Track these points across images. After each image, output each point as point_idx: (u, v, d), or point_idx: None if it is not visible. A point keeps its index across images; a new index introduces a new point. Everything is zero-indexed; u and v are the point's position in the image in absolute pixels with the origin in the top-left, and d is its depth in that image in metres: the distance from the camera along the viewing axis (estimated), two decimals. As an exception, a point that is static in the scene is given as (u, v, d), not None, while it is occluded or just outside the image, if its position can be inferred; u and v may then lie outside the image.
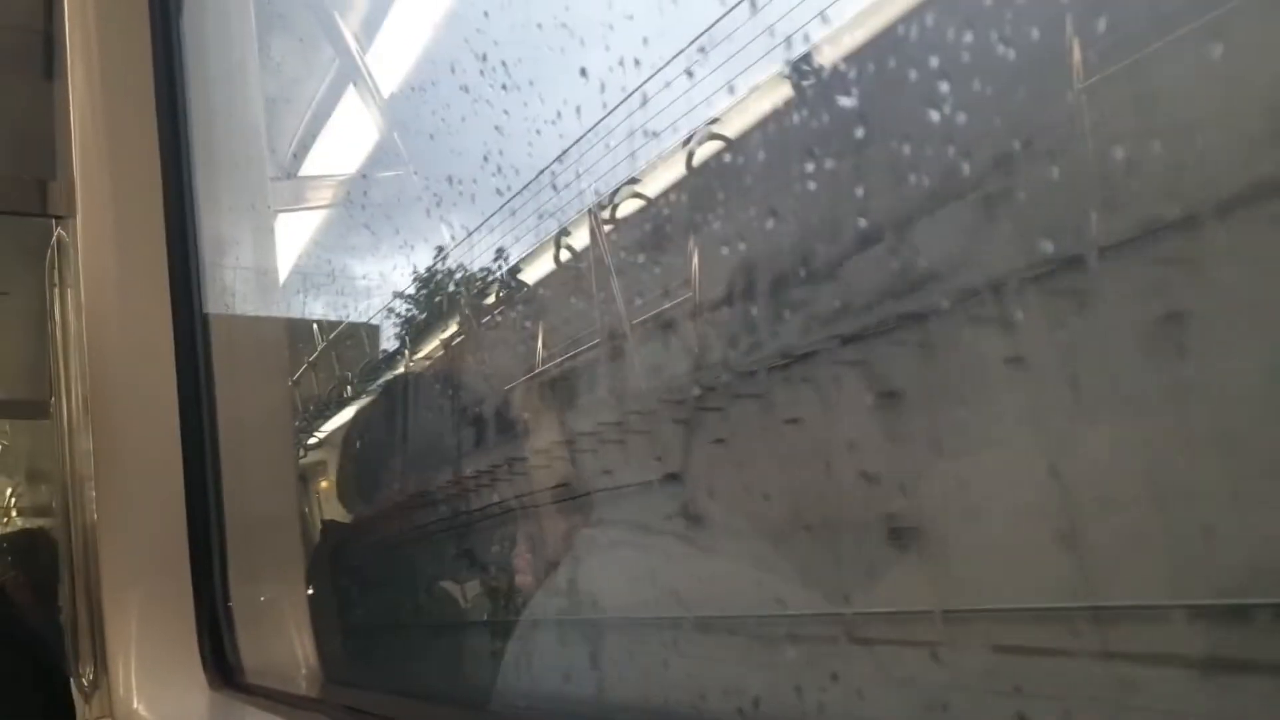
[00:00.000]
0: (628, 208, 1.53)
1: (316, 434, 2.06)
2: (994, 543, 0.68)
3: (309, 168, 3.11)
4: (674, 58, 0.96)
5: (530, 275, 1.88)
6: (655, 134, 1.09)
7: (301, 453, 2.18)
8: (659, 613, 0.91)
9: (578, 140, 1.27)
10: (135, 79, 1.81)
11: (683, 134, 1.04)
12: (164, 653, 1.56)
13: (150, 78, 1.82)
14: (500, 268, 1.97)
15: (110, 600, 1.63)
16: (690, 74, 0.95)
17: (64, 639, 2.03)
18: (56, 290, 2.23)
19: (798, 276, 0.83)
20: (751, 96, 0.88)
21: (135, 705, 1.55)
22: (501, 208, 1.60)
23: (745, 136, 0.91)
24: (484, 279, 2.79)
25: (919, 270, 0.71)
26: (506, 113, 1.31)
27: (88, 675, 1.75)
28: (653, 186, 1.28)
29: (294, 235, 3.49)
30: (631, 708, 0.87)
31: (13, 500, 5.31)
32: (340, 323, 3.69)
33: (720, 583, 0.88)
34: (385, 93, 2.70)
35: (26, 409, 3.72)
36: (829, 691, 0.72)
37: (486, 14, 1.34)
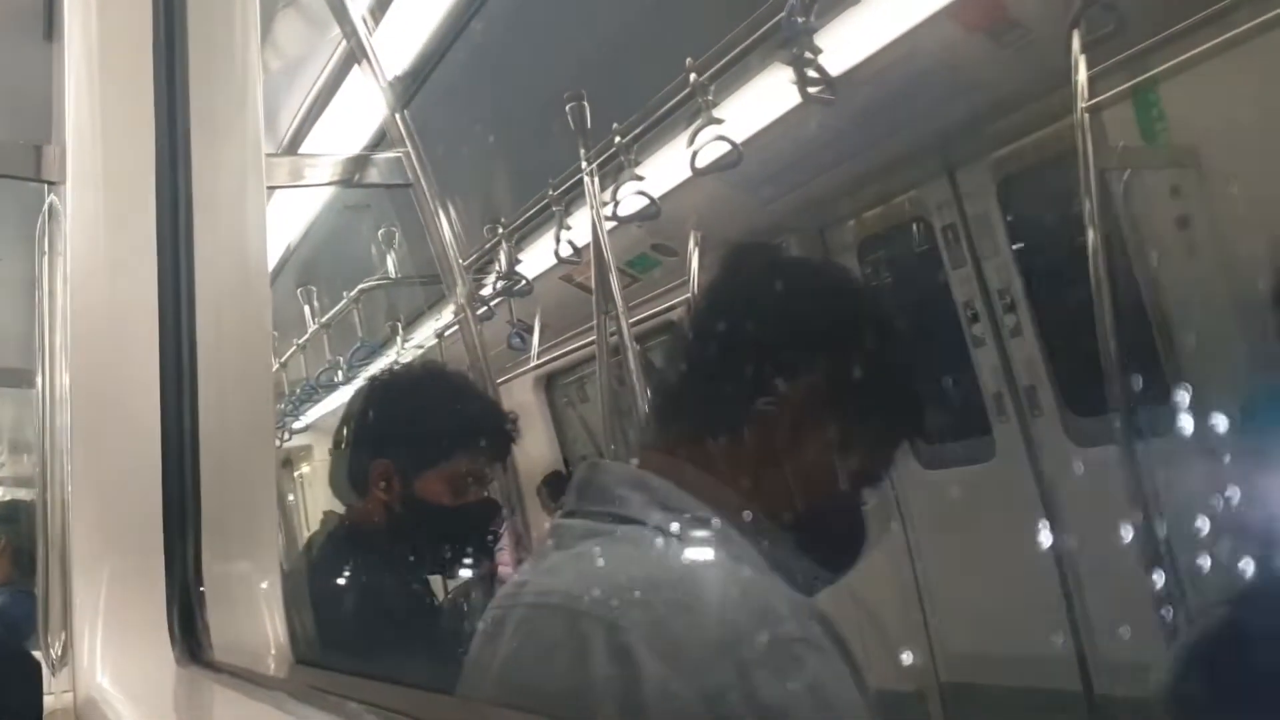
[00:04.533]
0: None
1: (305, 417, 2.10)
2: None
3: (308, 146, 3.16)
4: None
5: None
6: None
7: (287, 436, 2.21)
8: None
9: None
10: (134, 45, 1.85)
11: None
12: (132, 627, 1.60)
13: (149, 45, 1.86)
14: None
15: (80, 573, 1.66)
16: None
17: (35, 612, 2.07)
18: (46, 258, 2.28)
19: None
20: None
21: (100, 679, 1.59)
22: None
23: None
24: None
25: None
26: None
27: (56, 648, 1.79)
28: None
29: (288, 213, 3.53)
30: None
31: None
32: (334, 306, 3.73)
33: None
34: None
35: (14, 377, 3.78)
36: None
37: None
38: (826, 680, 0.86)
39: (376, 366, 3.58)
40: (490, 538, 1.71)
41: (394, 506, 1.65)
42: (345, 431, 1.81)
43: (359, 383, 1.96)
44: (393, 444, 1.68)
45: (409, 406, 1.78)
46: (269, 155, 2.55)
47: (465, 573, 1.74)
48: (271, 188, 2.61)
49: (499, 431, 1.74)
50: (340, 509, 1.77)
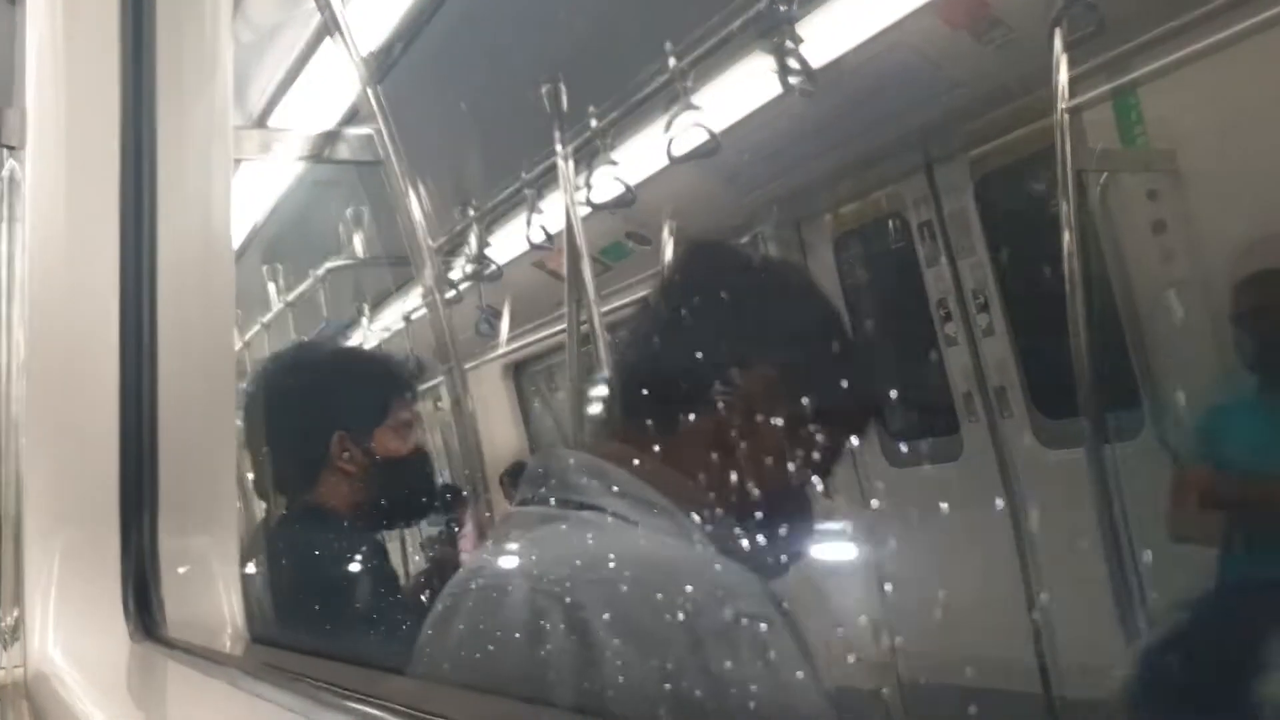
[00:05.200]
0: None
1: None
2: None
3: (277, 119, 3.14)
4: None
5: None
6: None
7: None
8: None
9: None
10: (100, 8, 1.83)
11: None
12: (86, 602, 1.58)
13: (116, 8, 1.84)
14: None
15: (33, 546, 1.65)
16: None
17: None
18: (4, 225, 2.25)
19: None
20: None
21: (52, 654, 1.58)
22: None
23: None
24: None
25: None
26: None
27: (8, 622, 1.78)
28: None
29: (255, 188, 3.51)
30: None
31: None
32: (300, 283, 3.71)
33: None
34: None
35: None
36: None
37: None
38: (779, 660, 0.88)
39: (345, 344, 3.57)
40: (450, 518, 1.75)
41: (361, 472, 1.69)
42: (273, 427, 1.84)
43: (260, 385, 1.98)
44: (338, 416, 1.72)
45: (336, 379, 1.85)
46: (237, 127, 2.53)
47: (437, 520, 1.81)
48: (239, 160, 2.59)
49: (412, 374, 1.88)
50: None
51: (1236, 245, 0.99)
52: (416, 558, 1.79)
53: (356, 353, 1.99)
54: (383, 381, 1.83)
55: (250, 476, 1.89)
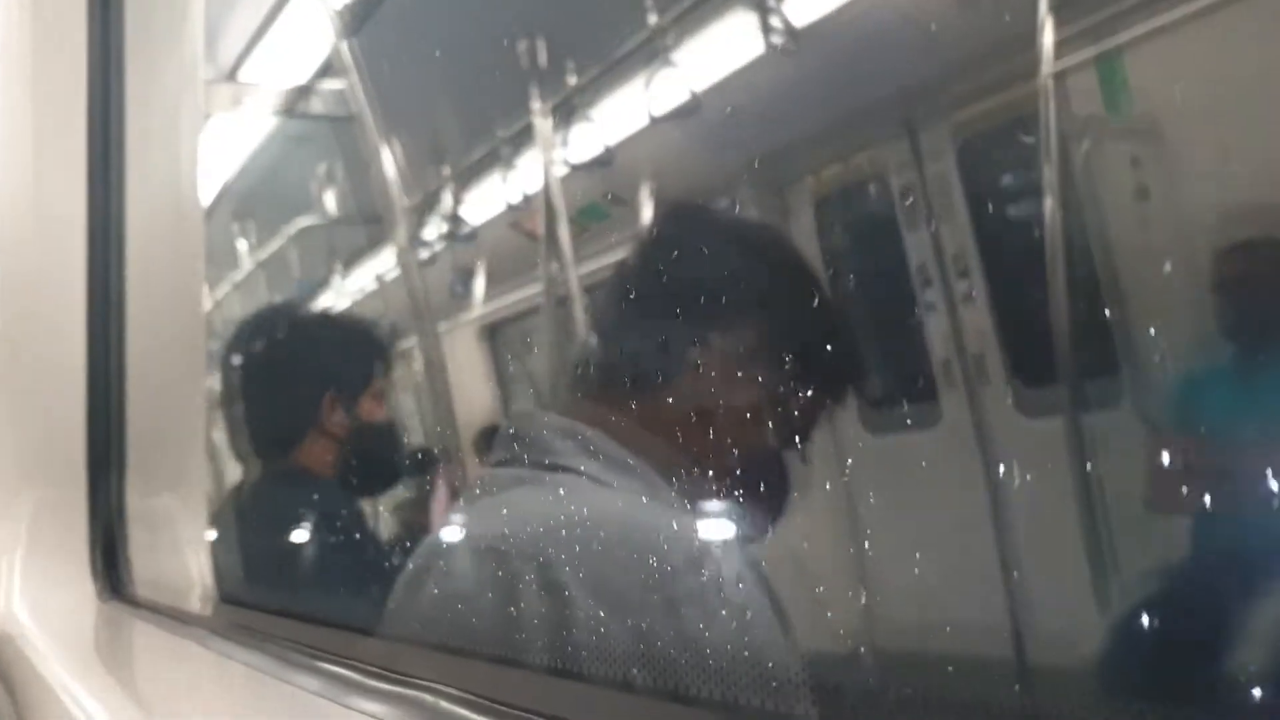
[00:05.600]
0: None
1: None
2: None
3: (249, 73, 3.10)
4: None
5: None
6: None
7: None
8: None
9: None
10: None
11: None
12: (53, 561, 1.58)
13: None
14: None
15: (-2, 505, 1.64)
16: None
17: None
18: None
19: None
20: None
21: (19, 613, 1.57)
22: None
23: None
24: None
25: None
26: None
27: (-27, 580, 1.77)
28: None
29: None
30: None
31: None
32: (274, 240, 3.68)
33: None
34: None
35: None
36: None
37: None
38: (753, 621, 0.88)
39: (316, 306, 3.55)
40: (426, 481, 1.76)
41: (345, 435, 1.70)
42: (262, 385, 1.84)
43: (250, 343, 1.97)
44: (330, 378, 1.73)
45: (329, 341, 1.86)
46: (208, 81, 2.50)
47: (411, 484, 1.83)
48: (209, 115, 2.55)
49: (391, 341, 1.93)
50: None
51: (1219, 214, 0.99)
52: (389, 519, 1.79)
53: (346, 316, 2.02)
54: (370, 346, 1.88)
55: (226, 436, 1.88)
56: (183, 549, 1.53)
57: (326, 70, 2.78)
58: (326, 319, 2.05)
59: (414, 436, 1.93)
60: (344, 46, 2.59)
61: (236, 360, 1.93)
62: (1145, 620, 0.67)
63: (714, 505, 0.95)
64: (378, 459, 1.75)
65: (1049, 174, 1.04)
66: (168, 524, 1.57)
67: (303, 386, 1.74)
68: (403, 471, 1.82)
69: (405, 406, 2.28)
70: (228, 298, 3.86)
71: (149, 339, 1.70)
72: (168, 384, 1.68)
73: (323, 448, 1.69)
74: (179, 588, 1.50)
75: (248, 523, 1.74)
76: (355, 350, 1.84)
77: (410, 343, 2.59)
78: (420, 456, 1.95)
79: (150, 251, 1.74)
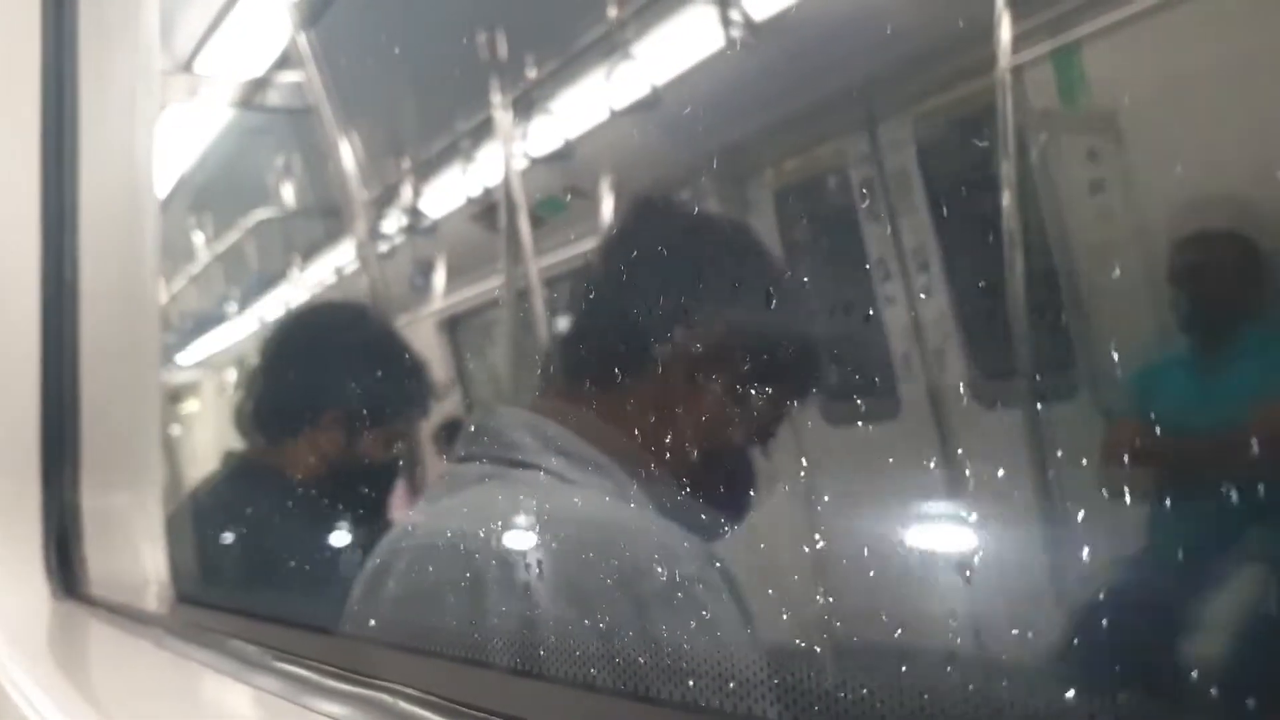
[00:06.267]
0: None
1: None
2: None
3: (205, 64, 3.07)
4: None
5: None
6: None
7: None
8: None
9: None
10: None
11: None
12: (5, 559, 1.56)
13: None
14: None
15: (-51, 502, 1.62)
16: None
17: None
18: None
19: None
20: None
21: (-32, 610, 1.56)
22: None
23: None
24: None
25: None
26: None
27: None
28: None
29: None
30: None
31: None
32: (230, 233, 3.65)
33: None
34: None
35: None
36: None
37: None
38: (720, 620, 0.89)
39: (273, 302, 3.52)
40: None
41: (336, 456, 1.66)
42: (276, 370, 1.80)
43: (291, 319, 1.92)
44: (356, 394, 1.69)
45: (368, 361, 1.79)
46: (164, 71, 2.48)
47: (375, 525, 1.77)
48: (165, 106, 2.53)
49: (429, 398, 1.80)
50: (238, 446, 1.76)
51: (1173, 206, 1.01)
52: (352, 517, 1.78)
53: (406, 352, 1.89)
54: (411, 384, 1.78)
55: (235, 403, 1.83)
56: (139, 547, 1.51)
57: (284, 62, 2.76)
58: (387, 340, 1.94)
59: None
60: (301, 38, 2.57)
61: (289, 334, 1.88)
62: (1101, 611, 0.68)
63: (679, 502, 0.95)
64: (352, 493, 1.69)
65: (1007, 167, 1.06)
66: (123, 521, 1.56)
67: (325, 386, 1.71)
68: (375, 504, 1.76)
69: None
70: (184, 291, 3.82)
71: (103, 333, 1.68)
72: (123, 379, 1.66)
73: (304, 453, 1.66)
74: (135, 586, 1.49)
75: (208, 521, 1.72)
76: (395, 384, 1.76)
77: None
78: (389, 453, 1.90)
79: (105, 244, 1.73)
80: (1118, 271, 0.88)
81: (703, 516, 0.97)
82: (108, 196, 1.79)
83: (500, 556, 0.94)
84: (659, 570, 0.90)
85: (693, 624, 0.88)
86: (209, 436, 2.15)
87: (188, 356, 3.24)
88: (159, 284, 1.96)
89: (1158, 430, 0.73)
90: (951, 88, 1.08)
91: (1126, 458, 0.76)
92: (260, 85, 2.71)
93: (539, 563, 0.92)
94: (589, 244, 1.11)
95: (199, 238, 3.70)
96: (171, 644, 1.17)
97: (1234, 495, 0.60)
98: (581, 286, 1.13)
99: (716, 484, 0.99)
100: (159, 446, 1.65)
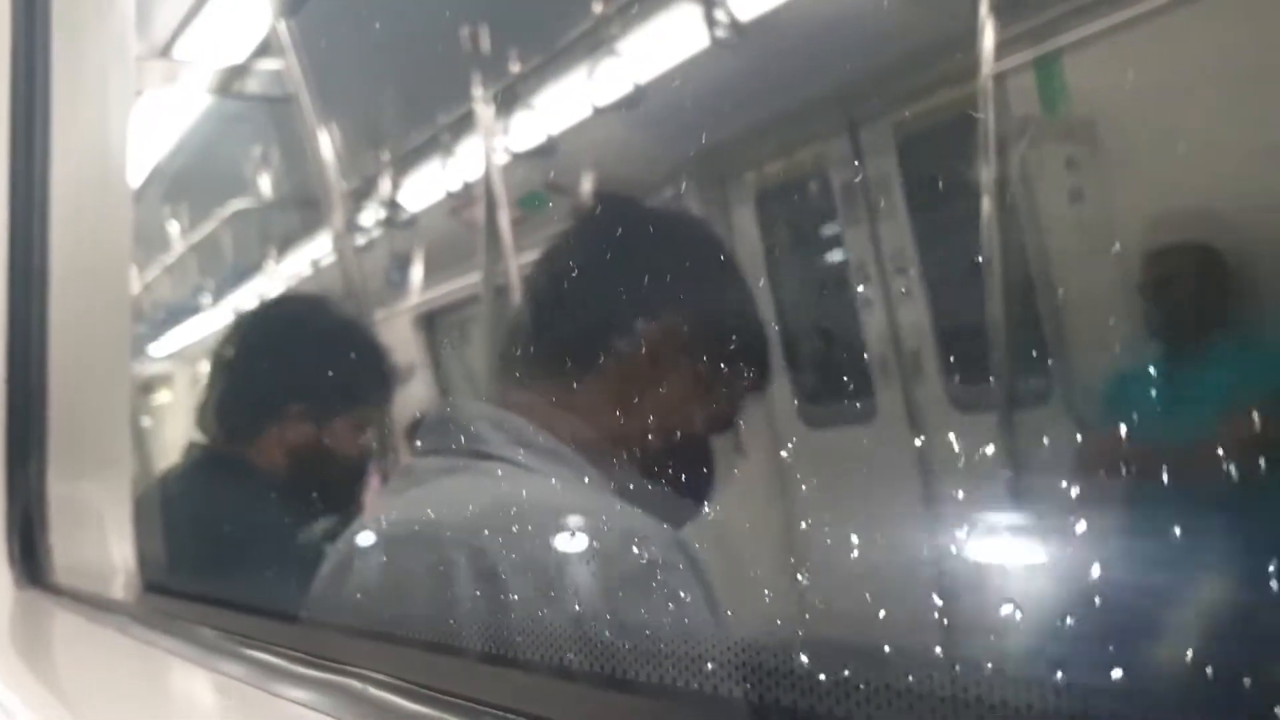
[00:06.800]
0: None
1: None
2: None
3: (183, 50, 3.05)
4: None
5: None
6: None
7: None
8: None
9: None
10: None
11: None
12: (-33, 546, 1.55)
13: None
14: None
15: (-89, 487, 1.61)
16: None
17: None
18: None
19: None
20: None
21: (-71, 598, 1.54)
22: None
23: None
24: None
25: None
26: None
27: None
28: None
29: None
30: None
31: None
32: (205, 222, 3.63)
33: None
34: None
35: None
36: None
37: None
38: (686, 606, 0.90)
39: (249, 293, 3.50)
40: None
41: (303, 447, 1.66)
42: (242, 362, 1.79)
43: (259, 312, 1.92)
44: (323, 385, 1.69)
45: (330, 351, 1.79)
46: (139, 58, 2.46)
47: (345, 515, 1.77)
48: (140, 92, 2.52)
49: (394, 391, 1.80)
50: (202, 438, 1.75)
51: (1147, 216, 1.02)
52: (319, 509, 1.78)
53: (366, 338, 1.89)
54: (375, 376, 1.79)
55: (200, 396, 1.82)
56: (106, 535, 1.51)
57: (264, 50, 2.74)
58: (352, 333, 1.94)
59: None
60: (282, 26, 2.56)
61: (255, 328, 1.88)
62: (1069, 611, 0.68)
63: (645, 494, 0.96)
64: (324, 482, 1.69)
65: (986, 174, 1.07)
66: (90, 510, 1.55)
67: (294, 380, 1.71)
68: (341, 498, 1.76)
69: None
70: (157, 281, 3.80)
71: (73, 321, 1.67)
72: (93, 367, 1.65)
73: (271, 444, 1.66)
74: (102, 575, 1.48)
75: (177, 509, 1.71)
76: (360, 371, 1.76)
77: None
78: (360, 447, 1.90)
79: (76, 231, 1.72)
80: (1093, 277, 0.90)
81: (668, 507, 0.98)
82: (80, 183, 1.78)
83: (465, 546, 0.95)
84: (626, 556, 0.91)
85: (660, 609, 0.89)
86: (180, 427, 2.14)
87: (160, 346, 3.23)
88: (131, 273, 1.95)
89: (1128, 439, 0.74)
90: (933, 93, 1.09)
91: (1097, 464, 0.78)
92: (239, 73, 2.70)
93: (506, 551, 0.93)
94: (558, 238, 1.12)
95: (174, 227, 3.68)
96: (138, 632, 1.17)
97: (1201, 502, 0.61)
98: (547, 280, 1.14)
99: (682, 477, 1.00)
100: (129, 435, 1.64)
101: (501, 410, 1.04)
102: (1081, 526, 0.82)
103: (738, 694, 0.65)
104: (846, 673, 0.63)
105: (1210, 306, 0.78)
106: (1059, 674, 0.61)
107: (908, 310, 1.18)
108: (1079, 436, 0.87)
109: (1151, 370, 0.84)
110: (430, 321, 3.10)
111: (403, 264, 3.07)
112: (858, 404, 1.11)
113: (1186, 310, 0.81)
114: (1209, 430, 0.67)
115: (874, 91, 1.21)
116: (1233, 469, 0.57)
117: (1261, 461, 0.55)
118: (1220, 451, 0.59)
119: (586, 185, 1.51)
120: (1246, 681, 0.49)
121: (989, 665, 0.68)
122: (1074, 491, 0.85)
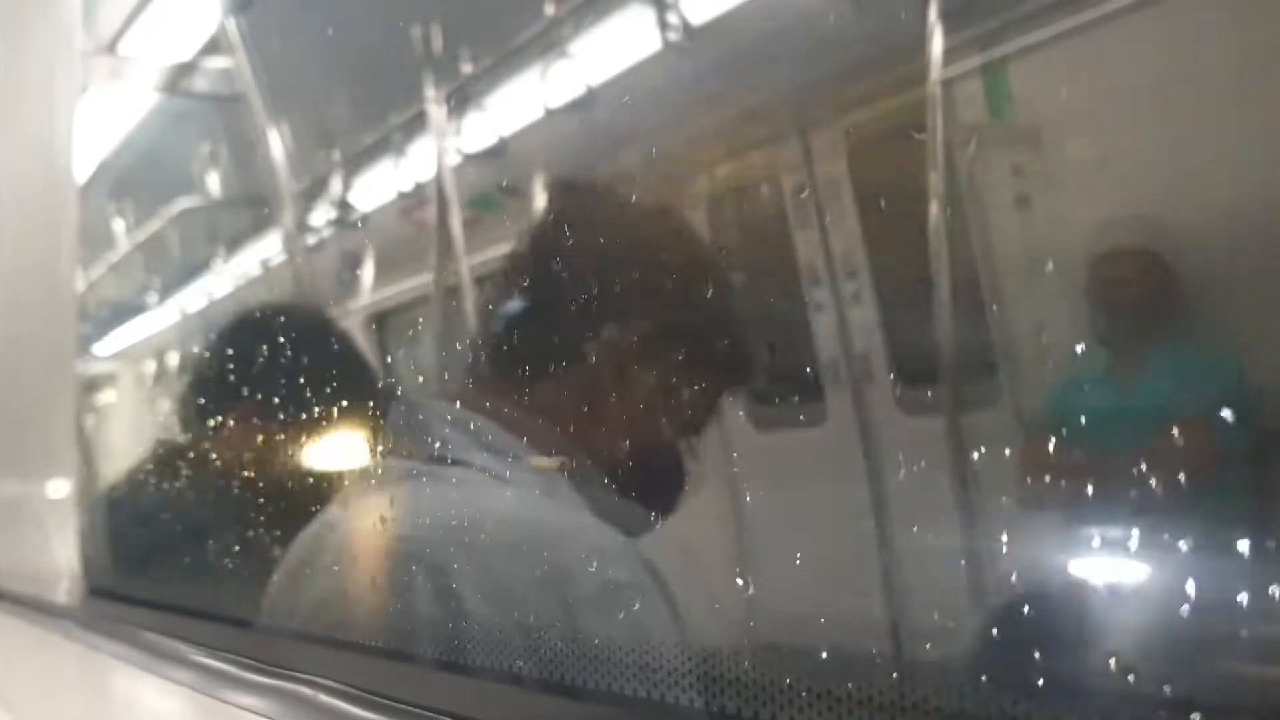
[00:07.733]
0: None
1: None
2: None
3: (130, 46, 3.01)
4: None
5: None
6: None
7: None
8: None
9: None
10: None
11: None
12: (-96, 550, 1.53)
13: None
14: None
15: None
16: None
17: None
18: None
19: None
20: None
21: None
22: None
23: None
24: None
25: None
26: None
27: None
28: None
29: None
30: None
31: None
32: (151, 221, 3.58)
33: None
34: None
35: None
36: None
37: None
38: (650, 623, 0.90)
39: (197, 293, 3.47)
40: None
41: (256, 450, 1.64)
42: (197, 362, 1.78)
43: (210, 313, 1.90)
44: (265, 389, 1.67)
45: (285, 351, 1.77)
46: (85, 53, 2.43)
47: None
48: (86, 88, 2.48)
49: (351, 393, 1.79)
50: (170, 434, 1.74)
51: (1093, 222, 1.04)
52: (276, 511, 1.77)
53: (329, 342, 1.86)
54: (331, 385, 1.76)
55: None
56: (49, 538, 1.49)
57: (213, 47, 2.72)
58: (307, 334, 1.91)
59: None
60: (231, 23, 2.54)
61: (205, 323, 1.86)
62: (1016, 616, 0.70)
63: (607, 499, 0.96)
64: (274, 487, 1.68)
65: (935, 179, 1.09)
66: (33, 513, 1.53)
67: (236, 381, 1.69)
68: (297, 502, 1.75)
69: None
70: (103, 279, 3.75)
71: (15, 320, 1.65)
72: (36, 367, 1.63)
73: (224, 446, 1.65)
74: (44, 578, 1.46)
75: (124, 513, 1.69)
76: (313, 379, 1.74)
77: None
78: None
79: (19, 227, 1.69)
80: (1039, 283, 0.91)
81: (631, 513, 0.98)
82: (23, 180, 1.76)
83: (425, 555, 0.94)
84: (589, 573, 0.90)
85: (620, 618, 0.89)
86: (126, 428, 2.12)
87: (106, 346, 3.19)
88: (76, 272, 1.93)
89: (1071, 444, 0.76)
90: (882, 99, 1.11)
91: (1041, 469, 0.79)
92: (187, 70, 2.67)
93: (467, 562, 0.92)
94: (520, 238, 1.12)
95: (120, 225, 3.63)
96: (82, 636, 1.16)
97: (1144, 508, 0.62)
98: (509, 280, 1.14)
99: (646, 481, 1.00)
100: (74, 437, 1.62)
101: (464, 411, 1.03)
102: (1022, 528, 0.83)
103: (698, 705, 0.65)
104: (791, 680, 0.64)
105: (1154, 312, 0.80)
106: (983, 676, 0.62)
107: (856, 314, 1.19)
108: (1023, 440, 0.88)
109: (1100, 372, 0.86)
110: (382, 321, 3.08)
111: (353, 264, 3.05)
112: (807, 407, 1.12)
113: (1131, 316, 0.83)
114: (1150, 436, 0.68)
115: (823, 97, 1.22)
116: (1172, 475, 0.58)
117: (1196, 469, 0.56)
118: (1159, 457, 0.61)
119: (543, 187, 1.51)
120: (1167, 690, 0.50)
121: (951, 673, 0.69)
122: (1018, 493, 0.86)
